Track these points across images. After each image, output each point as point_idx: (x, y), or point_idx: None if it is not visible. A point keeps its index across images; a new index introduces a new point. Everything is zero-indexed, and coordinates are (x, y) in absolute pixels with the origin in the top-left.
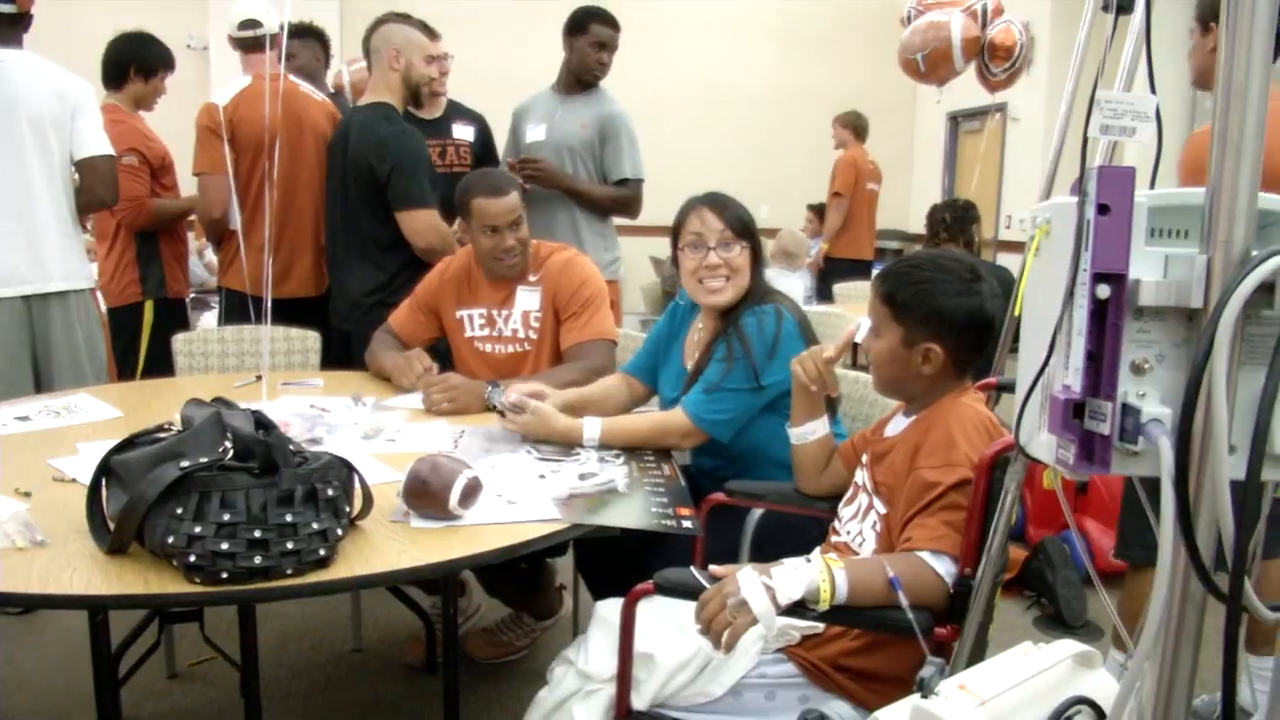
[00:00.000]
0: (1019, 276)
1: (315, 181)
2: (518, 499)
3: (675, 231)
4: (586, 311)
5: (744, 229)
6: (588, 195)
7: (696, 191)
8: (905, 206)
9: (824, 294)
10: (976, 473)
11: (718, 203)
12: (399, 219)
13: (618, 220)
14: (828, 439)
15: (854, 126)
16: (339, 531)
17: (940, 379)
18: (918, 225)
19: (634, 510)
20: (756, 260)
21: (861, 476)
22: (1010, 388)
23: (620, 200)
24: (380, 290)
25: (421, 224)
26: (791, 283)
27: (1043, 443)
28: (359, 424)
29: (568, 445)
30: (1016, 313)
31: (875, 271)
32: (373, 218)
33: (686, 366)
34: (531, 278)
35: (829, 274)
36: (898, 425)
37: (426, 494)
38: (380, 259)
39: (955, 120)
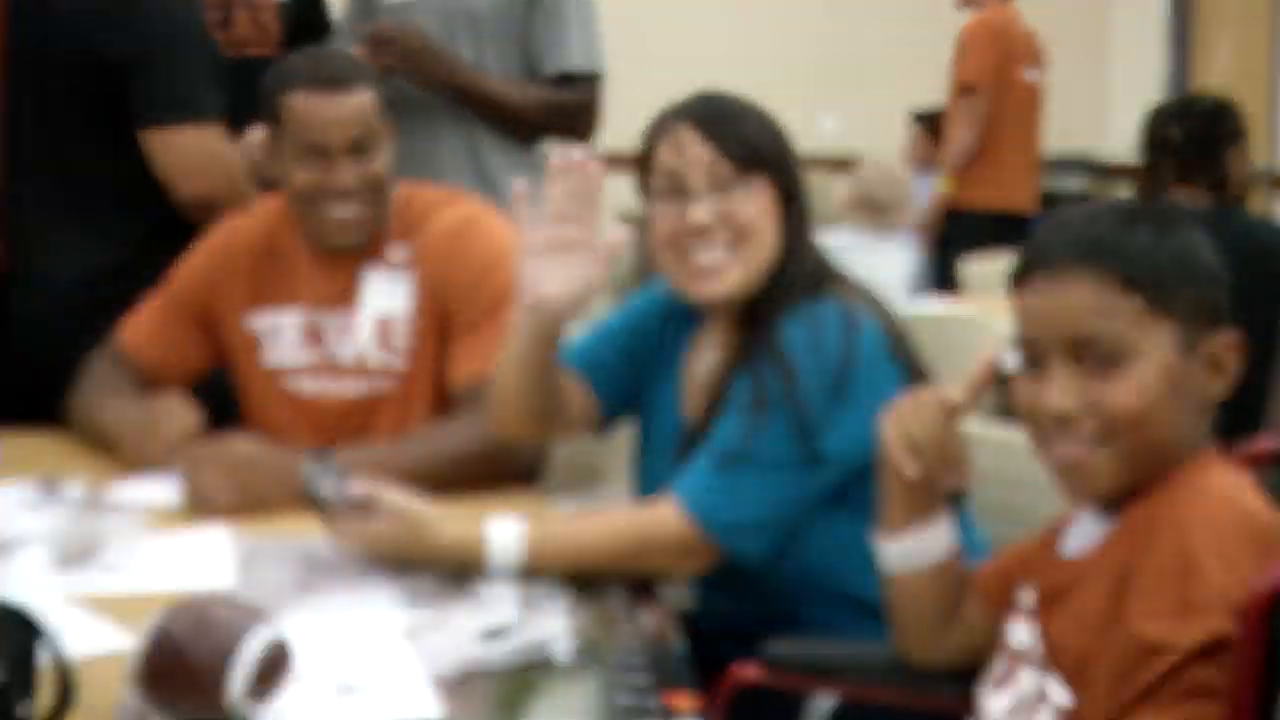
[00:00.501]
0: None
1: None
2: (364, 681)
3: (641, 170)
4: (495, 320)
5: (755, 157)
6: (499, 102)
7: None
8: (1095, 114)
9: (943, 278)
10: (1244, 623)
11: (707, 116)
12: (148, 144)
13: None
14: (952, 561)
15: None
16: None
17: (1203, 426)
18: (1118, 150)
19: (585, 701)
20: (794, 212)
21: (1021, 634)
22: None
23: (559, 110)
24: (106, 278)
25: (191, 152)
26: (884, 258)
27: None
28: (54, 538)
29: (459, 573)
30: None
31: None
32: (92, 142)
33: (683, 417)
34: (395, 251)
35: (954, 240)
36: (1086, 535)
37: (185, 676)
38: (108, 219)
39: None
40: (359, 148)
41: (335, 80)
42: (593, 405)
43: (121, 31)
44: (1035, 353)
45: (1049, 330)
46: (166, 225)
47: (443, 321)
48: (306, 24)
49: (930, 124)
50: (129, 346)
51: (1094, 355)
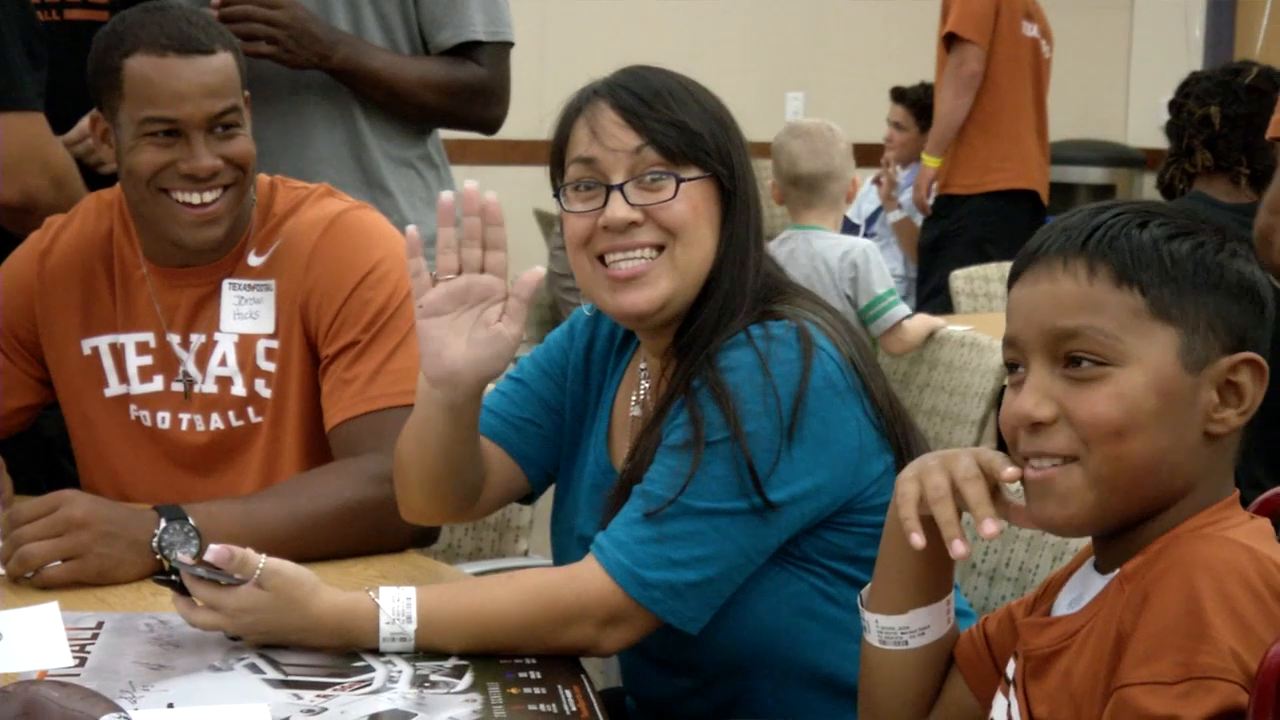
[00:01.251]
0: None
1: None
2: None
3: (553, 159)
4: (384, 342)
5: (689, 144)
6: (385, 81)
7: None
8: (1117, 90)
9: (934, 286)
10: (1258, 693)
11: (632, 94)
12: None
13: (454, 136)
14: (948, 639)
15: None
16: None
17: (1223, 463)
18: (1145, 134)
19: None
20: (733, 208)
21: (1004, 708)
22: None
23: (461, 89)
24: None
25: (7, 144)
26: (836, 258)
27: None
28: None
29: (342, 651)
30: None
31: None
32: None
33: (611, 463)
34: (253, 259)
35: (946, 240)
36: (1080, 592)
37: None
38: None
39: None
40: (222, 122)
41: (191, 41)
42: (516, 476)
43: None
44: (1017, 355)
45: (1031, 325)
46: None
47: (311, 343)
48: None
49: (915, 105)
50: None
51: (1077, 356)
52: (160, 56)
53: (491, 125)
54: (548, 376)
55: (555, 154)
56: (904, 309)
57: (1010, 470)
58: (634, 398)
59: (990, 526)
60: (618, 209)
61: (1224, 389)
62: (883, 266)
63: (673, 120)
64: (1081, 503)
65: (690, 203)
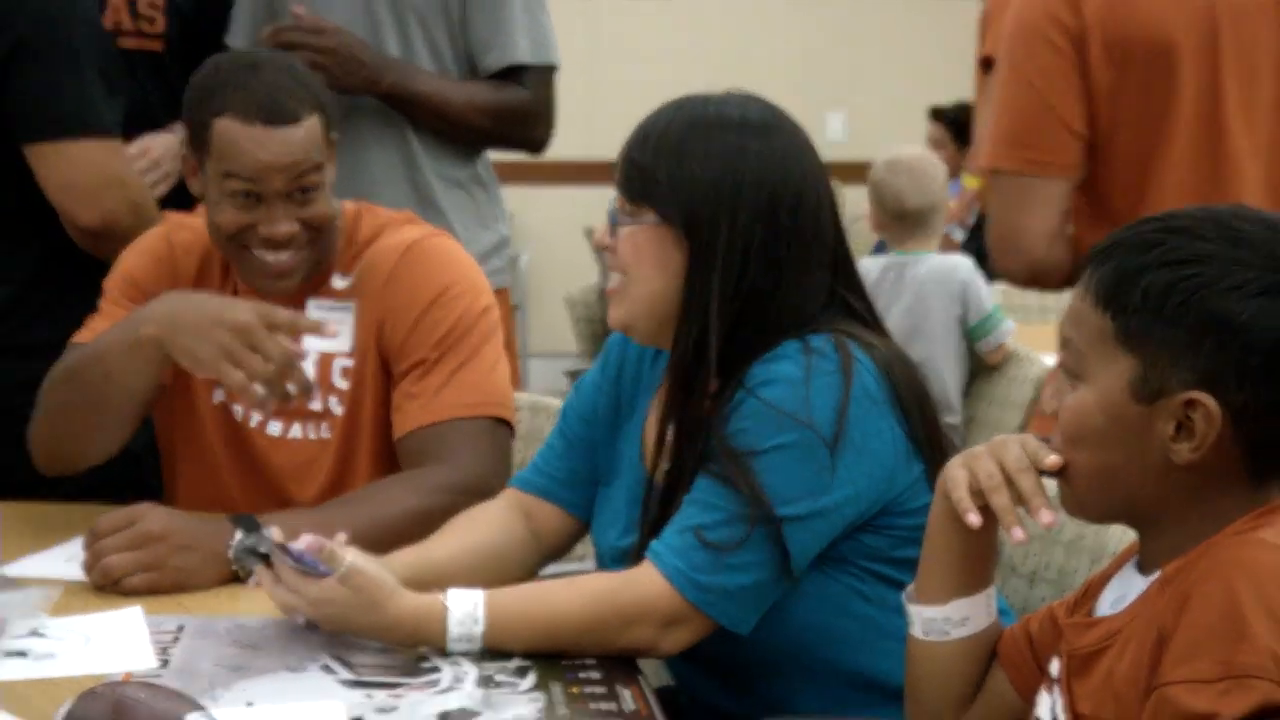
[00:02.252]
0: None
1: None
2: None
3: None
4: (450, 360)
5: (646, 191)
6: (435, 105)
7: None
8: None
9: None
10: None
11: (638, 135)
12: (34, 163)
13: (504, 157)
14: (990, 633)
15: None
16: None
17: (1213, 485)
18: None
19: None
20: (700, 264)
21: (1048, 705)
22: None
23: (507, 112)
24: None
25: (85, 172)
26: (946, 279)
27: None
28: None
29: (413, 649)
30: None
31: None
32: None
33: (645, 469)
34: (338, 281)
35: (985, 257)
36: (1123, 593)
37: None
38: None
39: None
40: (301, 186)
41: (279, 111)
42: (569, 521)
43: None
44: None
45: (1060, 328)
46: (62, 257)
47: (386, 361)
48: (195, 13)
49: (954, 123)
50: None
51: (1066, 361)
52: (247, 124)
53: (537, 145)
54: (583, 420)
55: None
56: (1011, 324)
57: (1052, 459)
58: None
59: (1047, 516)
60: (601, 235)
61: (1181, 422)
62: (985, 284)
63: (641, 162)
64: (1069, 497)
65: (632, 243)
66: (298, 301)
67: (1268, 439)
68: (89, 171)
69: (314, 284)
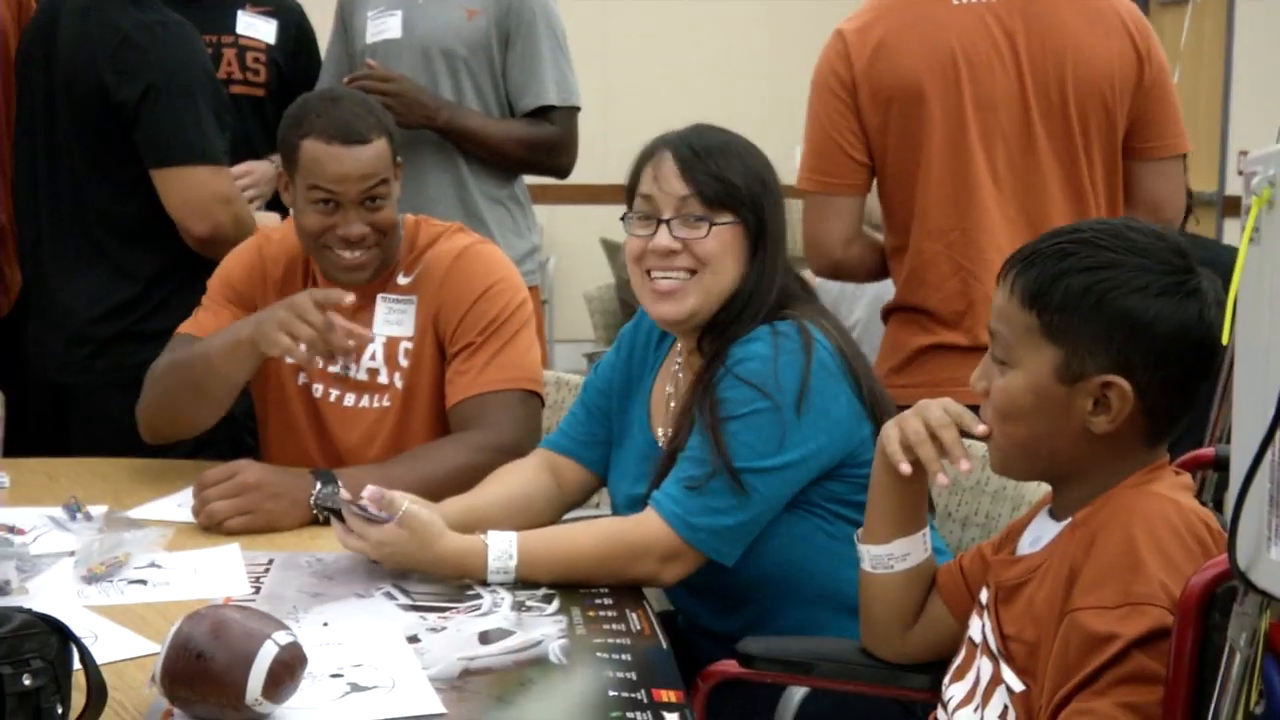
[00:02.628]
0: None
1: None
2: (372, 680)
3: (628, 191)
4: (492, 343)
5: (727, 195)
6: (478, 138)
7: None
8: None
9: None
10: (1180, 616)
11: (691, 150)
12: (159, 184)
13: (537, 180)
14: (926, 567)
15: None
16: None
17: (1119, 448)
18: None
19: (579, 696)
20: (764, 247)
21: (979, 627)
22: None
23: (538, 144)
24: (121, 312)
25: (197, 193)
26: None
27: (1274, 563)
28: (79, 554)
29: (459, 580)
30: (1225, 338)
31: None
32: (107, 181)
33: (658, 438)
34: (402, 279)
35: None
36: (1039, 535)
37: (205, 677)
38: (122, 255)
39: None
40: (370, 198)
41: (351, 133)
42: (588, 475)
43: (128, 72)
44: None
45: (989, 324)
46: (178, 263)
47: (441, 343)
48: (292, 68)
49: None
50: (192, 331)
51: (995, 350)
52: (327, 144)
53: (563, 171)
54: (599, 393)
55: (629, 188)
56: None
57: (981, 428)
58: (669, 384)
59: (965, 464)
60: (662, 238)
61: (1099, 399)
62: None
63: (716, 175)
64: (997, 462)
65: (720, 241)
66: (369, 296)
67: (1163, 410)
68: (202, 191)
69: (382, 281)
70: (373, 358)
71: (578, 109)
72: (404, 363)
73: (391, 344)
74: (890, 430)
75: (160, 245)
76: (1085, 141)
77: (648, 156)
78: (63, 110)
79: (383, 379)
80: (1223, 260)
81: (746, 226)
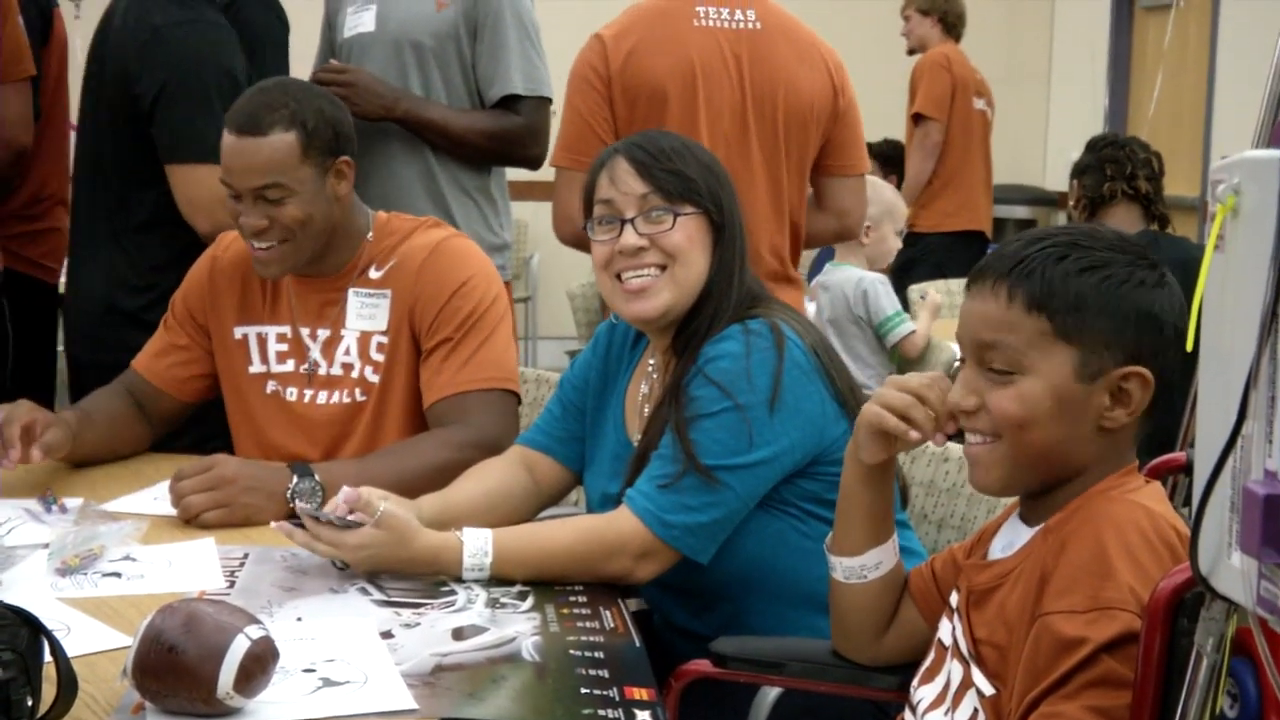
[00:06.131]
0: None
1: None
2: (344, 675)
3: (585, 200)
4: (470, 340)
5: (685, 189)
6: (440, 127)
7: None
8: (1038, 147)
9: (900, 298)
10: (1148, 621)
11: (643, 150)
12: (170, 178)
13: (522, 176)
14: (898, 572)
15: (941, 14)
16: None
17: (1117, 446)
18: (1058, 179)
19: (551, 693)
20: (724, 242)
21: (949, 630)
22: None
23: (503, 135)
24: (129, 295)
25: (202, 190)
26: (840, 278)
27: (1234, 569)
28: (53, 546)
29: (434, 577)
30: (1190, 344)
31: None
32: (131, 170)
33: (632, 438)
34: (373, 273)
35: (916, 261)
36: (1011, 540)
37: (177, 671)
38: (136, 244)
39: None
40: (266, 195)
41: (250, 123)
42: (564, 472)
43: (150, 68)
44: (961, 352)
45: (965, 333)
46: (187, 253)
47: (415, 339)
48: (263, 62)
49: (887, 159)
50: (139, 368)
51: (994, 361)
52: (232, 133)
53: (533, 163)
54: (576, 389)
55: (585, 198)
56: (910, 325)
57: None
58: (643, 385)
59: (951, 427)
60: (629, 237)
61: (1116, 394)
62: (891, 294)
63: (672, 170)
64: (999, 474)
65: (685, 233)
66: (340, 290)
67: (1160, 403)
68: (205, 190)
69: (352, 275)
70: (347, 352)
71: (548, 100)
72: (377, 356)
73: (364, 338)
74: (874, 409)
75: (173, 235)
76: (787, 151)
77: (600, 165)
78: (101, 100)
79: (355, 374)
80: (1192, 257)
81: (710, 217)
